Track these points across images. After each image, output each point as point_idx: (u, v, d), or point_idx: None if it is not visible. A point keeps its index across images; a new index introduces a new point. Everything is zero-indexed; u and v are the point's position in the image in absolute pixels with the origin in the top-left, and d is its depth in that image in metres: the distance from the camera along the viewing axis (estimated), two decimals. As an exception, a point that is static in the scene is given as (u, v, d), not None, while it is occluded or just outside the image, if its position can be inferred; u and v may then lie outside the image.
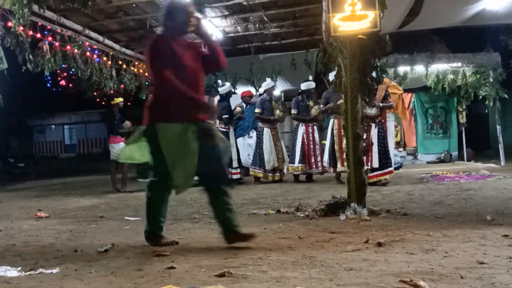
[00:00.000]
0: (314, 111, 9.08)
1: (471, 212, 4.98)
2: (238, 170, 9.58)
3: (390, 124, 8.70)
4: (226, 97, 9.87)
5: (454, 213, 5.00)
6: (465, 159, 12.72)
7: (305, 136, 9.07)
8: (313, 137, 9.16)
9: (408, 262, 3.00)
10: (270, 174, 9.38)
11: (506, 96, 11.16)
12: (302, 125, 9.16)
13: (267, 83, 9.94)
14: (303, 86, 9.31)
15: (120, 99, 9.84)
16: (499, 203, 5.50)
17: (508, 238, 3.58)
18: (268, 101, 9.56)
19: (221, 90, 9.99)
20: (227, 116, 9.63)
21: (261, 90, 10.18)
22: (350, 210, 4.96)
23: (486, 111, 12.29)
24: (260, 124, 9.60)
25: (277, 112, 9.63)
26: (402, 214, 5.00)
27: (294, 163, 9.09)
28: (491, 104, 11.22)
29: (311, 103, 9.22)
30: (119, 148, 9.34)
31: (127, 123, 9.66)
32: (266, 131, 9.45)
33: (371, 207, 5.16)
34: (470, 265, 2.87)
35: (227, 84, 10.24)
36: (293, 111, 9.26)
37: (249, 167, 9.88)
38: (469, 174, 8.90)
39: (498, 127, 11.54)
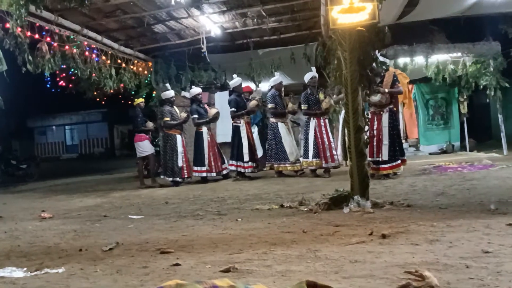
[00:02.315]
0: (324, 104, 8.83)
1: (475, 202, 4.97)
2: (250, 164, 9.47)
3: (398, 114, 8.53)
4: (234, 91, 9.80)
5: (457, 203, 4.99)
6: (468, 149, 12.69)
7: (317, 129, 8.84)
8: (326, 130, 8.94)
9: (413, 253, 3.00)
10: (295, 166, 9.24)
11: (507, 85, 11.10)
12: (313, 119, 8.92)
13: (275, 79, 9.80)
14: (305, 78, 9.23)
15: (142, 100, 10.31)
16: (502, 192, 5.49)
17: (512, 226, 3.58)
18: (278, 96, 9.50)
19: (232, 83, 9.96)
20: (234, 109, 9.53)
21: (269, 85, 10.10)
22: (354, 203, 4.96)
23: (488, 100, 12.19)
24: (273, 120, 9.49)
25: (290, 105, 9.54)
26: (406, 206, 5.00)
27: (308, 158, 8.89)
28: (492, 93, 11.15)
29: (321, 96, 8.97)
30: (144, 146, 9.74)
31: (150, 123, 10.04)
32: (281, 125, 9.37)
33: (374, 199, 5.16)
34: (475, 254, 2.87)
35: (238, 78, 10.10)
36: (303, 106, 9.04)
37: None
38: (472, 164, 8.86)
39: (499, 116, 11.50)
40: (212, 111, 9.85)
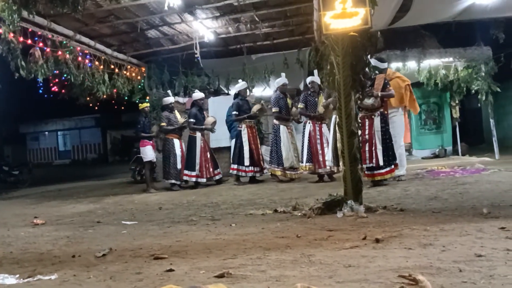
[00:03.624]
0: (321, 108, 8.67)
1: (467, 206, 5.00)
2: (251, 168, 9.41)
3: (399, 118, 8.01)
4: (239, 95, 9.69)
5: (450, 207, 5.01)
6: (460, 153, 12.74)
7: (312, 134, 8.75)
8: (321, 135, 8.77)
9: (406, 257, 3.01)
10: (288, 172, 9.17)
11: (498, 89, 11.19)
12: (309, 122, 8.84)
13: (279, 80, 9.60)
14: (307, 80, 9.09)
15: (146, 104, 10.32)
16: (494, 196, 5.52)
17: (504, 230, 3.60)
18: (282, 99, 9.36)
19: (237, 87, 9.89)
20: (235, 113, 9.48)
21: (273, 88, 10.02)
22: (347, 207, 4.97)
23: (479, 105, 12.31)
24: (276, 122, 9.41)
25: (293, 110, 9.41)
26: (399, 210, 5.01)
27: (302, 162, 8.87)
28: (484, 98, 11.23)
29: (321, 99, 8.75)
30: (144, 152, 9.84)
31: (155, 127, 10.07)
32: (283, 129, 9.23)
33: (367, 204, 5.17)
34: (468, 258, 2.88)
35: (243, 82, 10.01)
36: (300, 105, 8.96)
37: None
38: (464, 168, 8.91)
39: (491, 120, 11.58)
40: (209, 120, 9.83)
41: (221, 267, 3.07)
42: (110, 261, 3.58)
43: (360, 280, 2.59)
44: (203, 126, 9.74)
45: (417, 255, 3.05)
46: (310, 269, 2.91)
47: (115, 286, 2.86)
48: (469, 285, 2.38)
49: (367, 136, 7.27)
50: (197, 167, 9.53)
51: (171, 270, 3.09)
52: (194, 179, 9.56)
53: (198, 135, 9.67)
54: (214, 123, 9.86)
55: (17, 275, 3.22)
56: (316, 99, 8.86)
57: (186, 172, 9.59)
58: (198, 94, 10.04)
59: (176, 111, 10.00)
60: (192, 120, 9.61)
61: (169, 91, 10.56)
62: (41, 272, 3.28)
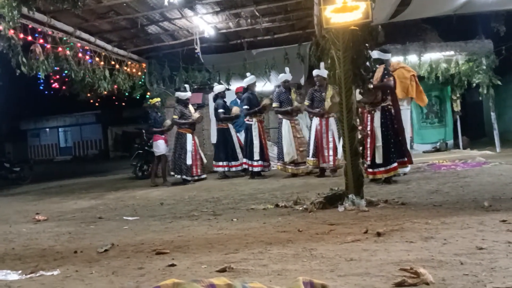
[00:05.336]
0: (326, 104, 8.37)
1: (469, 199, 5.00)
2: (260, 163, 9.42)
3: (404, 112, 7.50)
4: (248, 89, 9.72)
5: (451, 200, 5.01)
6: (461, 147, 12.74)
7: (318, 128, 8.62)
8: (327, 130, 8.58)
9: (408, 251, 3.02)
10: (289, 167, 9.04)
11: (499, 83, 11.17)
12: (315, 118, 8.71)
13: (281, 77, 9.45)
14: (314, 73, 8.91)
15: (157, 99, 10.55)
16: (496, 189, 5.52)
17: (506, 223, 3.60)
18: (284, 93, 9.27)
19: (245, 81, 9.85)
20: (247, 107, 9.46)
21: (274, 83, 10.08)
22: (348, 201, 4.98)
23: (480, 98, 12.27)
24: (280, 116, 9.31)
25: (296, 103, 9.31)
26: (400, 204, 5.02)
27: (308, 156, 8.76)
28: (485, 91, 11.22)
29: (329, 93, 8.21)
30: (157, 146, 10.09)
31: (167, 122, 10.18)
32: (285, 123, 9.10)
33: (369, 198, 5.17)
34: (470, 251, 2.89)
35: (252, 76, 9.99)
36: (306, 102, 8.84)
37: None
38: (465, 161, 8.91)
39: (492, 114, 11.56)
40: (236, 109, 10.00)
41: (223, 261, 3.08)
42: (112, 256, 3.59)
43: (361, 273, 2.60)
44: (232, 115, 9.94)
45: (418, 249, 3.05)
46: (311, 263, 2.92)
47: (117, 281, 2.87)
48: (470, 277, 2.39)
49: (368, 132, 6.82)
50: (240, 155, 9.82)
51: (173, 265, 3.11)
52: (239, 168, 9.85)
53: (230, 126, 9.96)
54: (240, 111, 10.03)
55: (20, 271, 3.24)
56: (323, 93, 8.54)
57: (215, 163, 9.91)
58: (220, 87, 10.30)
59: (190, 106, 9.98)
60: (221, 110, 9.80)
61: (186, 86, 10.47)
62: (44, 268, 3.29)
